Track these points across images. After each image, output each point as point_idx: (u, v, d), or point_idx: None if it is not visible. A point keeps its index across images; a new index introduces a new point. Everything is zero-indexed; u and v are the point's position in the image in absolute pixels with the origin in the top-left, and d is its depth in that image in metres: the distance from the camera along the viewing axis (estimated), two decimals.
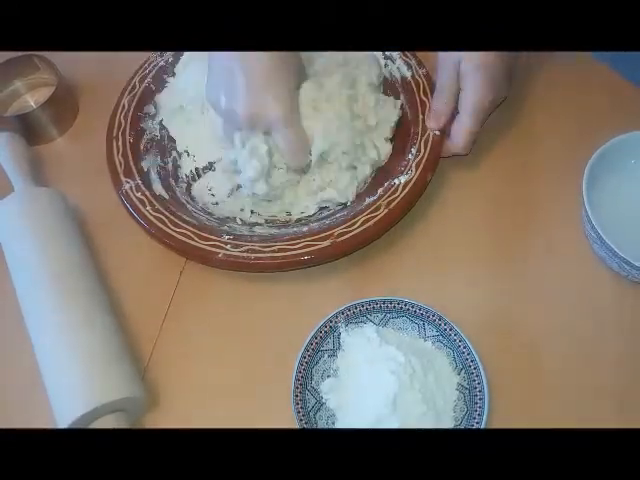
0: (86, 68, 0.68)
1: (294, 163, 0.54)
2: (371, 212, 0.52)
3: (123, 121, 0.59)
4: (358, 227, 0.51)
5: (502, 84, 0.55)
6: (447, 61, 0.55)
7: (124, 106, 0.60)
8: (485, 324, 0.51)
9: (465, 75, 0.54)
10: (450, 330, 0.48)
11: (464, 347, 0.48)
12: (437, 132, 0.55)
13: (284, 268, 0.52)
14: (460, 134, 0.55)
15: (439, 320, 0.49)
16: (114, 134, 0.58)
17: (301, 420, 0.46)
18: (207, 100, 0.55)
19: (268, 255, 0.51)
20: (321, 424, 0.47)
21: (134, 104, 0.60)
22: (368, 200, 0.54)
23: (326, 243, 0.51)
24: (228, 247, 0.52)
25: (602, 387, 0.48)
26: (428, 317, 0.49)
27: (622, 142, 0.52)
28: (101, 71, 0.68)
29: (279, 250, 0.51)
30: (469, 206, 0.57)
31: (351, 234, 0.51)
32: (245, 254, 0.51)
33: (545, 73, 0.62)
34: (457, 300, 0.52)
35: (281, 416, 0.47)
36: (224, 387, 0.50)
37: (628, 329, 0.50)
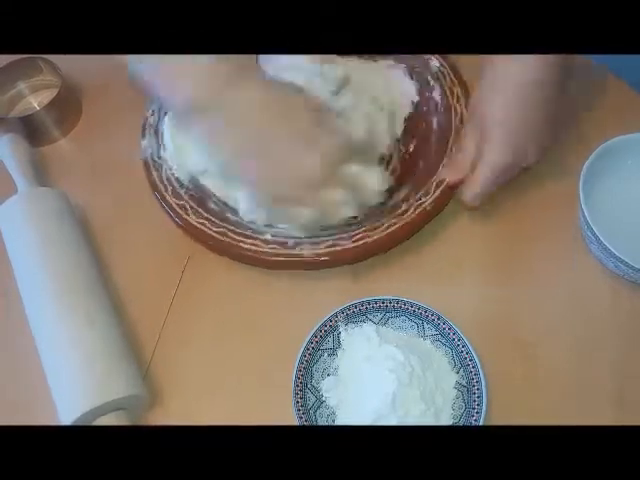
0: (89, 70, 0.68)
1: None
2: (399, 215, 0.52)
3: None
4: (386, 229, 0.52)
5: (527, 147, 0.51)
6: (475, 113, 0.53)
7: None
8: (483, 323, 0.51)
9: (486, 131, 0.51)
10: (449, 329, 0.49)
11: (462, 346, 0.48)
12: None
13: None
14: (471, 188, 0.52)
15: (438, 319, 0.49)
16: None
17: (301, 418, 0.46)
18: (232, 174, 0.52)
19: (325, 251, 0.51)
20: (321, 422, 0.47)
21: None
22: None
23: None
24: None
25: (599, 385, 0.49)
26: (427, 316, 0.50)
27: (619, 143, 0.53)
28: (104, 73, 0.68)
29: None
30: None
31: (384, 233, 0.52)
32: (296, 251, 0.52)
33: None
34: (456, 300, 0.52)
35: (282, 415, 0.48)
36: (225, 386, 0.51)
37: (625, 328, 0.51)
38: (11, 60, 0.66)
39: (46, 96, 0.67)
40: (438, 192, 0.53)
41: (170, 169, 0.56)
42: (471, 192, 0.52)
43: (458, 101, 0.58)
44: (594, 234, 0.49)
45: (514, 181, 0.58)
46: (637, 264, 0.47)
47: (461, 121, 0.57)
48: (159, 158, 0.57)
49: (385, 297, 0.50)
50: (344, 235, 0.52)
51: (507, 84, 0.50)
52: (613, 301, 0.52)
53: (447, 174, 0.53)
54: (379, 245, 0.52)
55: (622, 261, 0.48)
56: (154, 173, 0.56)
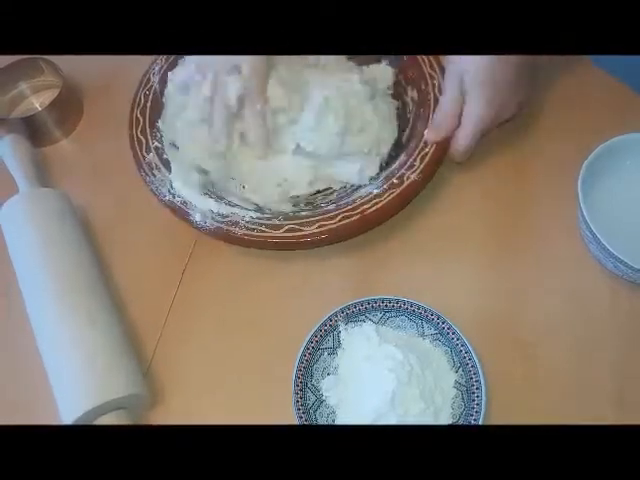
0: (90, 71, 0.69)
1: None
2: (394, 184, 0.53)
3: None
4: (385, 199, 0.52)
5: (507, 103, 0.55)
6: (452, 76, 0.56)
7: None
8: (483, 323, 0.51)
9: (469, 91, 0.54)
10: (448, 329, 0.49)
11: (462, 345, 0.48)
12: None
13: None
14: (457, 145, 0.55)
15: (437, 319, 0.49)
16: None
17: (301, 417, 0.47)
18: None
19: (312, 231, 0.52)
20: (321, 421, 0.48)
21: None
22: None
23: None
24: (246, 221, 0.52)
25: (599, 385, 0.49)
26: (426, 316, 0.50)
27: (618, 143, 0.53)
28: (105, 74, 0.69)
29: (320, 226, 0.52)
30: (467, 207, 0.57)
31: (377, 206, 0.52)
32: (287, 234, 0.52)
33: (543, 75, 0.62)
34: (455, 299, 0.53)
35: (282, 414, 0.48)
36: (225, 385, 0.51)
37: (624, 328, 0.51)
38: (13, 61, 0.66)
39: (47, 97, 0.68)
40: (424, 164, 0.54)
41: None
42: (459, 147, 0.55)
43: (431, 67, 0.59)
44: (593, 234, 0.49)
45: (514, 181, 0.58)
46: (636, 264, 0.47)
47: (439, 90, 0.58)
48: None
49: (385, 297, 0.51)
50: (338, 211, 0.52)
51: None
52: (612, 301, 0.52)
53: (430, 135, 0.55)
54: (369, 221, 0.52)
55: (621, 261, 0.48)
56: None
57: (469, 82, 0.54)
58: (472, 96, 0.54)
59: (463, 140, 0.55)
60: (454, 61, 0.56)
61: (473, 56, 0.54)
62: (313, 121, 0.55)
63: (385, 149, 0.58)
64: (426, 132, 0.55)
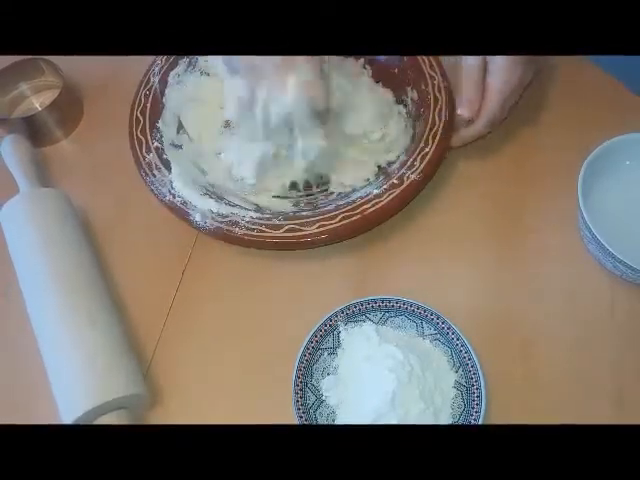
0: (90, 71, 0.69)
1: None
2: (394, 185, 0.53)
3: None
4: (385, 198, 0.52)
5: (526, 66, 0.55)
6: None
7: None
8: (482, 323, 0.51)
9: (489, 62, 0.54)
10: (448, 329, 0.49)
11: (462, 345, 0.48)
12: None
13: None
14: (485, 116, 0.55)
15: (437, 319, 0.50)
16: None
17: (301, 417, 0.47)
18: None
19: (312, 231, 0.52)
20: (321, 421, 0.48)
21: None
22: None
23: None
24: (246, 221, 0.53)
25: (598, 385, 0.49)
26: (426, 316, 0.50)
27: (617, 143, 0.53)
28: (105, 74, 0.69)
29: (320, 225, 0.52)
30: (467, 207, 0.58)
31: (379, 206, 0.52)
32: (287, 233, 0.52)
33: (542, 75, 0.62)
34: (455, 299, 0.53)
35: (282, 414, 0.48)
36: (225, 385, 0.51)
37: (623, 328, 0.51)
38: (13, 61, 0.66)
39: (48, 97, 0.68)
40: (424, 163, 0.54)
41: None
42: (485, 119, 0.55)
43: (431, 68, 0.59)
44: (592, 234, 0.49)
45: (513, 181, 0.58)
46: (635, 264, 0.47)
47: (439, 90, 0.58)
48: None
49: (384, 297, 0.51)
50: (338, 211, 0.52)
51: None
52: (612, 301, 0.52)
53: (464, 111, 0.55)
54: (370, 220, 0.52)
55: (620, 261, 0.48)
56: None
57: (489, 61, 0.54)
58: (496, 63, 0.54)
59: (490, 112, 0.54)
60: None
61: None
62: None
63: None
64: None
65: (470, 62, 0.55)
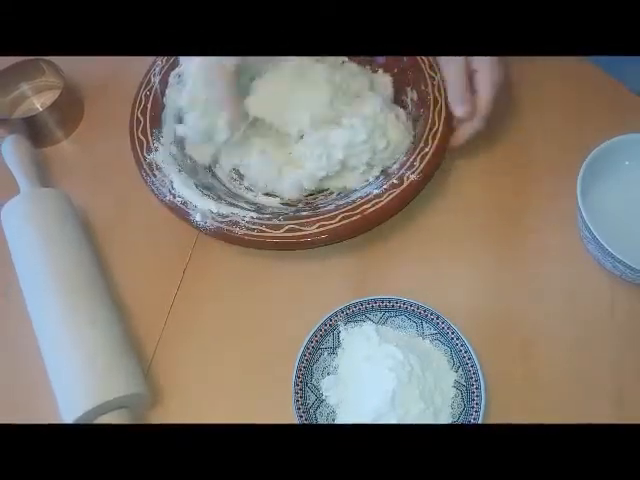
0: (91, 71, 0.69)
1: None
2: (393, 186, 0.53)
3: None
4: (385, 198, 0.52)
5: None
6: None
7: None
8: (482, 323, 0.51)
9: (474, 62, 0.54)
10: (448, 328, 0.49)
11: (461, 345, 0.48)
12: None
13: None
14: (483, 111, 0.55)
15: (437, 319, 0.50)
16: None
17: (301, 417, 0.47)
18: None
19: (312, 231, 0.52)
20: (321, 421, 0.48)
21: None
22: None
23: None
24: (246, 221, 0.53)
25: (598, 385, 0.49)
26: (426, 316, 0.50)
27: (616, 144, 0.53)
28: (106, 75, 0.69)
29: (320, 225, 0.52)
30: (467, 207, 0.58)
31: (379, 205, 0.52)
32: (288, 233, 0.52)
33: (541, 76, 0.62)
34: (455, 299, 0.53)
35: (282, 413, 0.48)
36: (225, 385, 0.51)
37: (623, 327, 0.51)
38: (14, 62, 0.66)
39: (49, 97, 0.68)
40: (424, 163, 0.54)
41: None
42: (483, 115, 0.55)
43: (431, 68, 0.59)
44: (592, 234, 0.49)
45: (513, 181, 0.58)
46: (635, 264, 0.48)
47: (439, 90, 0.57)
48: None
49: (384, 297, 0.51)
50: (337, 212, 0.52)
51: None
52: (611, 301, 0.52)
53: (459, 110, 0.55)
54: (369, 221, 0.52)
55: (620, 261, 0.48)
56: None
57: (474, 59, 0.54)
58: (480, 64, 0.54)
59: (482, 109, 0.55)
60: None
61: None
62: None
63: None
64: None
65: (455, 62, 0.55)
